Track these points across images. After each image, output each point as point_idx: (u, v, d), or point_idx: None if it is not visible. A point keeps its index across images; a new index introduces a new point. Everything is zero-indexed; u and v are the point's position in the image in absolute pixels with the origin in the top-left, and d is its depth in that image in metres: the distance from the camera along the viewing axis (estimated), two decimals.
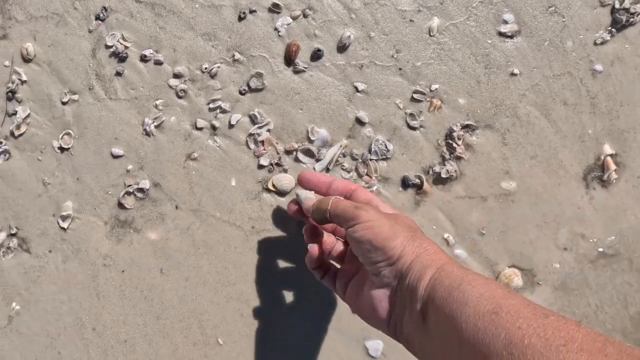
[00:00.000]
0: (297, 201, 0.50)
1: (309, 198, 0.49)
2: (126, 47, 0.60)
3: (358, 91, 0.58)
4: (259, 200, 0.60)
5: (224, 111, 0.59)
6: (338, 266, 0.50)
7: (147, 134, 0.60)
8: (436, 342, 0.34)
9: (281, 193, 0.59)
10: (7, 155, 0.62)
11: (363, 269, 0.44)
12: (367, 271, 0.42)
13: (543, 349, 0.25)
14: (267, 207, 0.60)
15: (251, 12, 0.58)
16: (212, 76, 0.59)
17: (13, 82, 0.61)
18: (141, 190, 0.61)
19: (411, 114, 0.57)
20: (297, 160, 0.59)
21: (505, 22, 0.56)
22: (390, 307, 0.39)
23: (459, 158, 0.57)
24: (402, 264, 0.38)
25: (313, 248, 0.47)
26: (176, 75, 0.60)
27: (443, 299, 0.33)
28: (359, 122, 0.58)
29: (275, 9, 0.58)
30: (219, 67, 0.59)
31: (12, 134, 0.62)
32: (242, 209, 0.60)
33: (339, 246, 0.50)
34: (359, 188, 0.49)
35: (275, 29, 0.58)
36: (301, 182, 0.51)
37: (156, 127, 0.60)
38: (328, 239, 0.50)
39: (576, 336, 0.25)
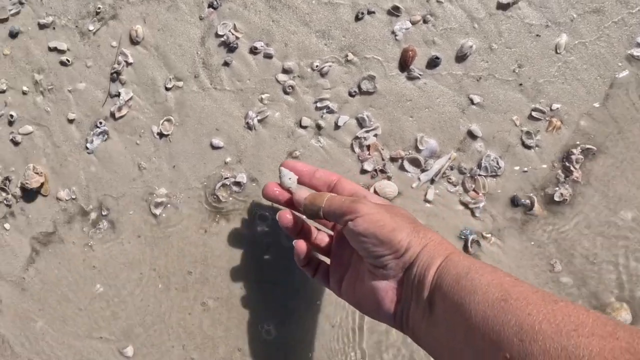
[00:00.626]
0: (281, 183, 0.48)
1: (301, 188, 0.47)
2: (237, 38, 0.59)
3: (473, 104, 0.56)
4: None
5: (331, 111, 0.58)
6: (327, 260, 0.48)
7: (250, 127, 0.59)
8: (443, 330, 0.33)
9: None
10: (106, 136, 0.62)
11: (355, 261, 0.43)
12: (361, 264, 0.41)
13: (554, 335, 0.24)
14: None
15: (369, 13, 0.57)
16: (323, 75, 0.58)
17: (119, 64, 0.61)
18: (238, 184, 0.60)
19: (527, 132, 0.55)
20: (402, 168, 0.58)
21: (639, 45, 0.53)
22: (397, 298, 0.38)
23: (575, 182, 0.55)
24: (410, 256, 0.37)
25: (300, 245, 0.45)
26: (285, 71, 0.58)
27: (451, 287, 0.33)
28: (471, 135, 0.56)
29: (394, 12, 0.56)
30: (330, 66, 0.58)
31: (112, 115, 0.61)
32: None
33: (323, 237, 0.49)
34: (341, 178, 0.48)
35: (393, 32, 0.57)
36: (285, 166, 0.49)
37: (259, 121, 0.59)
38: (312, 230, 0.49)
39: (586, 321, 0.24)
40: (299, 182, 0.49)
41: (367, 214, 0.38)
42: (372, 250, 0.38)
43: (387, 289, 0.38)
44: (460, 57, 0.56)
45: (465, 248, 0.57)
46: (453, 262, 0.34)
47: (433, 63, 0.56)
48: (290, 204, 0.48)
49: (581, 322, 0.24)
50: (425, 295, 0.35)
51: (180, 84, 0.60)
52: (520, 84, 0.55)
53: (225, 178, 0.60)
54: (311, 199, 0.44)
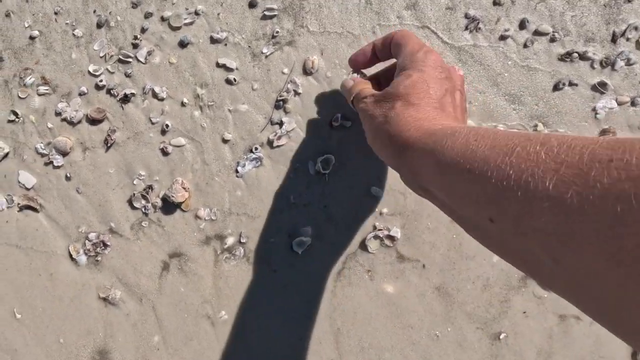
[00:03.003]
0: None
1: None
2: None
3: None
4: (521, 289, 0.54)
5: None
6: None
7: None
8: (446, 207, 0.33)
9: None
10: (259, 162, 0.60)
11: None
12: None
13: (516, 188, 0.24)
14: (532, 298, 0.54)
15: (571, 84, 0.53)
16: None
17: (287, 92, 0.58)
18: (391, 238, 0.57)
19: None
20: None
21: None
22: None
23: None
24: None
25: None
26: None
27: (426, 179, 0.34)
28: None
29: (600, 87, 0.52)
30: None
31: (269, 142, 0.59)
32: (498, 292, 0.55)
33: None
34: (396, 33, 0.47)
35: (594, 109, 0.52)
36: (352, 60, 0.50)
37: None
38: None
39: (540, 158, 0.23)
40: None
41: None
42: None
43: None
44: None
45: None
46: (415, 153, 0.34)
47: None
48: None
49: (535, 162, 0.23)
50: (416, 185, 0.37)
51: (348, 124, 0.57)
52: None
53: (379, 229, 0.57)
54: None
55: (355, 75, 0.50)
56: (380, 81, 0.50)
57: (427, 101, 0.39)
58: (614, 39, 0.52)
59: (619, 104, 0.52)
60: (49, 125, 0.63)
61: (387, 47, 0.47)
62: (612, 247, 0.18)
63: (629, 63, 0.52)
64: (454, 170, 0.29)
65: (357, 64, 0.50)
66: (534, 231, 0.22)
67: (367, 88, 0.46)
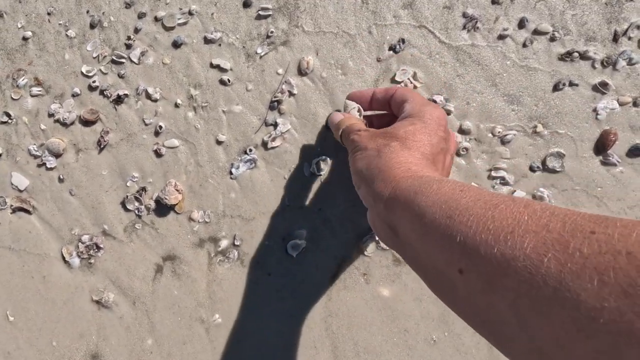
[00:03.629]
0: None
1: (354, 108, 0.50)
2: (415, 87, 0.54)
3: None
4: None
5: (505, 183, 0.53)
6: None
7: None
8: (409, 254, 0.34)
9: None
10: (253, 164, 0.59)
11: None
12: None
13: (493, 242, 0.23)
14: None
15: (571, 84, 0.51)
16: (504, 142, 0.53)
17: (282, 92, 0.57)
18: None
19: None
20: None
21: None
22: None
23: None
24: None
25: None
26: (462, 131, 0.54)
27: (401, 217, 0.33)
28: None
29: (601, 88, 0.51)
30: (514, 134, 0.53)
31: (264, 144, 0.58)
32: None
33: None
34: (398, 89, 0.48)
35: (595, 110, 0.51)
36: (350, 98, 0.51)
37: None
38: None
39: (522, 218, 0.23)
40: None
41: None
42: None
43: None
44: None
45: None
46: (401, 189, 0.34)
47: (635, 152, 0.50)
48: None
49: (517, 221, 0.23)
50: (387, 222, 0.36)
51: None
52: None
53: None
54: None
55: (350, 102, 0.50)
56: (373, 123, 0.50)
57: (422, 150, 0.39)
58: (615, 38, 0.51)
59: (621, 104, 0.50)
60: (42, 126, 0.63)
61: (386, 100, 0.48)
62: (586, 319, 0.18)
63: (630, 63, 0.50)
64: (435, 214, 0.29)
65: (354, 101, 0.51)
66: (505, 290, 0.22)
67: (359, 123, 0.47)
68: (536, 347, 0.21)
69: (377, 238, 0.56)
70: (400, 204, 0.34)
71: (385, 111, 0.50)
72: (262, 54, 0.58)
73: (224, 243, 0.60)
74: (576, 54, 0.51)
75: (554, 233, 0.21)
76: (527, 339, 0.21)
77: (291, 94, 0.58)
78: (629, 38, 0.50)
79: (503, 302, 0.22)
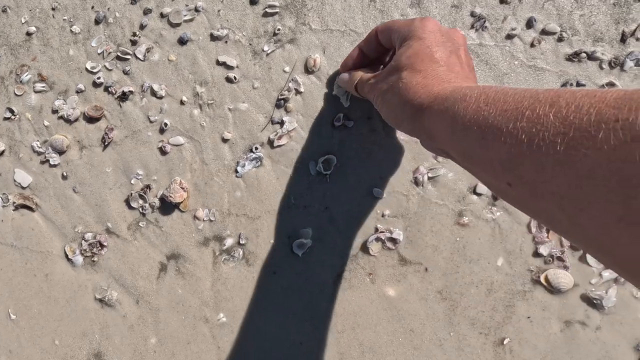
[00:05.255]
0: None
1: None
2: None
3: None
4: (525, 294, 0.53)
5: None
6: None
7: (417, 183, 0.55)
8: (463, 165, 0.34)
9: (553, 290, 0.52)
10: (259, 162, 0.58)
11: None
12: None
13: (529, 154, 0.24)
14: (537, 303, 0.53)
15: (578, 85, 0.51)
16: None
17: (289, 91, 0.57)
18: (393, 240, 0.55)
19: None
20: (583, 260, 0.52)
21: None
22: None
23: None
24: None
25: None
26: None
27: (444, 145, 0.34)
28: None
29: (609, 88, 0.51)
30: None
31: (270, 142, 0.58)
32: (503, 297, 0.54)
33: None
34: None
35: None
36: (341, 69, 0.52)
37: (429, 178, 0.55)
38: None
39: (549, 121, 0.23)
40: None
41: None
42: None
43: None
44: None
45: None
46: (427, 121, 0.35)
47: None
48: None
49: (545, 126, 0.24)
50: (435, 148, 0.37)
51: (351, 124, 0.56)
52: None
53: (381, 232, 0.56)
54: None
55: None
56: (375, 69, 0.50)
57: (433, 66, 0.38)
58: (623, 39, 0.51)
59: None
60: (46, 123, 0.62)
61: (372, 41, 0.48)
62: (621, 209, 0.19)
63: (638, 64, 0.50)
64: (468, 137, 0.29)
65: (347, 67, 0.51)
66: (550, 194, 0.23)
67: (366, 73, 0.47)
68: (590, 237, 0.22)
69: (382, 238, 0.56)
70: (434, 132, 0.34)
71: (378, 60, 0.51)
72: (268, 52, 0.58)
73: (229, 242, 0.59)
74: (584, 55, 0.51)
75: (581, 130, 0.21)
76: (580, 232, 0.22)
77: (298, 92, 0.57)
78: (637, 39, 0.50)
79: (551, 205, 0.23)
